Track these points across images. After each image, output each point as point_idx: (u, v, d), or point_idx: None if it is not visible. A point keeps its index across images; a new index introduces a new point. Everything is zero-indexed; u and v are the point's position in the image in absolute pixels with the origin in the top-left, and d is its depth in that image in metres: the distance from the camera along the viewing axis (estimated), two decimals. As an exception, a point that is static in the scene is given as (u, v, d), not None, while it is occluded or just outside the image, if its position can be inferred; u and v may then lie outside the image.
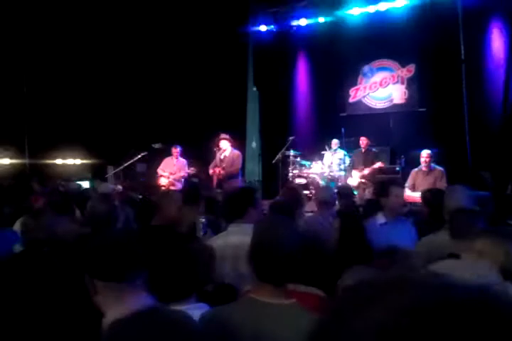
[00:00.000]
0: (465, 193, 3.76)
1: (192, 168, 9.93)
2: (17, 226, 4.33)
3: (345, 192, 6.03)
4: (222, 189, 8.56)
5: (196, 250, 2.42)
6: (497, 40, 9.97)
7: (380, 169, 9.48)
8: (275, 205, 4.33)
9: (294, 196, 5.05)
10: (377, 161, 9.50)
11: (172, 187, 9.45)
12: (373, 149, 9.78)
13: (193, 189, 4.83)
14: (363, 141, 9.72)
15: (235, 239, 3.30)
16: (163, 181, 9.87)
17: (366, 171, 9.43)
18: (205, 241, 3.48)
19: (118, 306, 1.55)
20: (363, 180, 9.34)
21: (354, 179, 9.52)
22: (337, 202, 6.05)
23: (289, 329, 1.86)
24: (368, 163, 9.52)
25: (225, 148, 9.30)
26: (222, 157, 9.26)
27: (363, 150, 9.72)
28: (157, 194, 3.93)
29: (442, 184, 7.91)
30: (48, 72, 11.68)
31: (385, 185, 4.44)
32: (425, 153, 8.28)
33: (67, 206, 4.25)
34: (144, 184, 10.17)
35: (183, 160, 10.06)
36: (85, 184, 10.89)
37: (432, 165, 8.26)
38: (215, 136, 9.47)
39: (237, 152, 9.38)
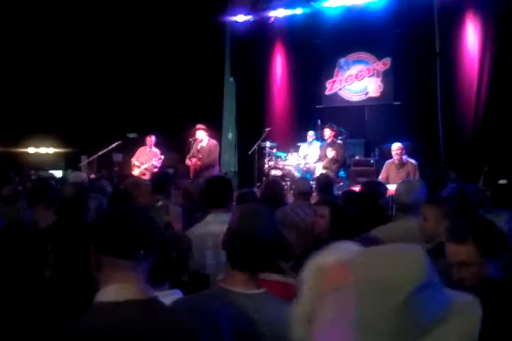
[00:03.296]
0: (420, 188, 3.80)
1: (160, 157, 9.84)
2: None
3: (324, 183, 6.01)
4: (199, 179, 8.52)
5: (169, 238, 2.41)
6: (471, 34, 10.09)
7: (335, 159, 9.19)
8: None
9: (277, 189, 5.12)
10: (333, 150, 9.17)
11: (144, 177, 9.39)
12: (338, 141, 9.46)
13: (162, 177, 4.81)
14: (326, 133, 9.40)
15: (214, 228, 3.30)
16: (136, 171, 9.80)
17: (324, 162, 9.20)
18: (181, 229, 3.48)
19: (118, 287, 1.57)
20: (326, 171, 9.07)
21: (318, 170, 9.39)
22: (314, 193, 6.08)
23: (260, 318, 1.87)
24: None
25: (202, 138, 9.25)
26: (199, 147, 9.21)
27: (328, 141, 9.43)
28: (126, 183, 3.88)
29: (415, 178, 7.98)
30: (20, 59, 11.44)
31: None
32: (396, 147, 8.26)
33: (43, 193, 4.20)
34: (117, 173, 10.07)
35: (155, 150, 10.00)
36: (58, 173, 10.76)
37: (405, 157, 8.29)
38: (191, 127, 9.41)
39: (214, 142, 9.34)
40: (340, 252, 1.30)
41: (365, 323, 1.00)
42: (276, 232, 2.08)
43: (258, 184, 9.99)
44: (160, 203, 3.70)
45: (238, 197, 4.53)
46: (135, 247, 1.59)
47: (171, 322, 1.59)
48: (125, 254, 1.59)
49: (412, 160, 8.31)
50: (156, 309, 1.60)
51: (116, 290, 1.57)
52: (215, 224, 3.31)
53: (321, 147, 9.76)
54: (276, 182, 5.79)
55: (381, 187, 5.01)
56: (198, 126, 9.32)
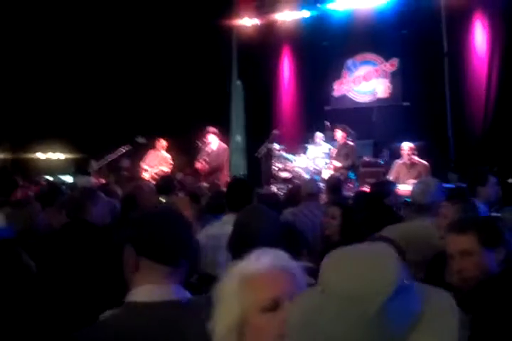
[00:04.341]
0: (438, 186, 3.80)
1: (170, 162, 9.84)
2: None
3: (333, 184, 6.00)
4: (207, 183, 8.53)
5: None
6: (479, 33, 10.04)
7: (350, 165, 9.24)
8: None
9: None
10: (348, 157, 9.20)
11: (153, 181, 9.40)
12: (350, 143, 9.44)
13: (166, 180, 4.83)
14: (337, 134, 9.41)
15: (230, 228, 3.30)
16: (145, 175, 9.79)
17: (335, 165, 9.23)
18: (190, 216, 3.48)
19: (152, 287, 1.58)
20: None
21: (329, 171, 9.36)
22: (323, 195, 6.06)
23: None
24: (341, 157, 9.29)
25: (212, 141, 9.26)
26: (209, 151, 9.22)
27: (340, 142, 9.41)
28: (130, 187, 3.90)
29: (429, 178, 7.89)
30: (28, 64, 11.52)
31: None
32: (406, 146, 8.17)
33: (52, 197, 4.24)
34: (126, 178, 10.10)
35: (166, 155, 9.99)
36: (68, 179, 10.81)
37: (415, 158, 8.23)
38: (201, 130, 9.42)
39: (223, 146, 9.36)
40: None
41: (336, 336, 0.96)
42: (279, 233, 2.07)
43: (265, 186, 9.97)
44: (163, 200, 3.73)
45: (259, 197, 4.51)
46: (177, 254, 1.63)
47: (201, 325, 1.59)
48: (166, 260, 1.61)
49: (424, 161, 8.24)
50: (189, 311, 1.60)
51: (150, 290, 1.58)
52: (231, 225, 3.32)
53: (330, 149, 9.71)
54: (300, 187, 5.80)
55: (388, 186, 4.99)
56: (210, 129, 9.32)
